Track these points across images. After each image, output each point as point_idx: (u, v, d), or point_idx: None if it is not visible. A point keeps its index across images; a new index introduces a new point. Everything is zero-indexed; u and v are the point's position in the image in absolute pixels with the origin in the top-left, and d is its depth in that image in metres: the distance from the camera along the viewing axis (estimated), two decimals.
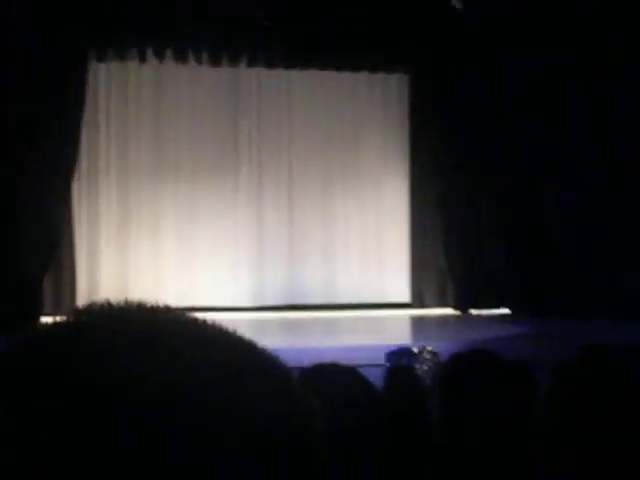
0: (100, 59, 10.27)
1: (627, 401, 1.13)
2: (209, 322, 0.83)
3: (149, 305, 0.82)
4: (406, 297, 11.38)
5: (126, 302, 0.81)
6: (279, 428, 0.72)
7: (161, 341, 0.75)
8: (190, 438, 0.69)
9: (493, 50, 10.36)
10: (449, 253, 11.02)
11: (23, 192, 9.30)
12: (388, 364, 4.50)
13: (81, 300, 10.41)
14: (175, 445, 0.68)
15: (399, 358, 4.52)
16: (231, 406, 0.71)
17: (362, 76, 11.21)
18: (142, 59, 10.36)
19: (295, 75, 11.10)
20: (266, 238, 11.13)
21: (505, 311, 10.78)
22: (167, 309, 0.84)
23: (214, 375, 0.73)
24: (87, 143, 10.35)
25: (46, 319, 9.69)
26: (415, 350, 4.80)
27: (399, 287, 11.38)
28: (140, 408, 0.69)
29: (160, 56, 10.30)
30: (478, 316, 10.77)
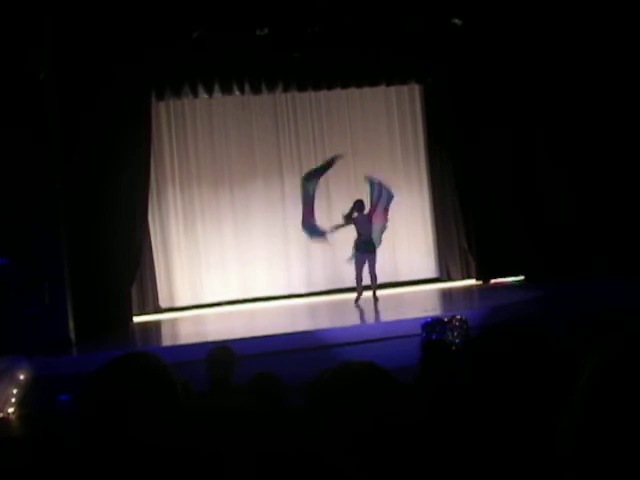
0: (160, 98, 10.33)
1: None
2: None
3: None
4: (434, 274, 11.36)
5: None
6: None
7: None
8: None
9: (491, 58, 10.26)
10: (469, 233, 10.96)
11: (111, 218, 9.38)
12: (424, 334, 4.47)
13: (163, 301, 10.52)
14: None
15: (432, 328, 4.49)
16: None
17: (379, 90, 11.18)
18: (194, 94, 10.40)
19: (323, 95, 11.09)
20: None
21: (520, 278, 10.69)
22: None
23: None
24: (154, 166, 10.45)
25: (136, 319, 9.80)
26: (445, 319, 4.77)
27: (428, 266, 11.37)
28: None
29: (209, 90, 10.33)
30: (497, 284, 10.69)
